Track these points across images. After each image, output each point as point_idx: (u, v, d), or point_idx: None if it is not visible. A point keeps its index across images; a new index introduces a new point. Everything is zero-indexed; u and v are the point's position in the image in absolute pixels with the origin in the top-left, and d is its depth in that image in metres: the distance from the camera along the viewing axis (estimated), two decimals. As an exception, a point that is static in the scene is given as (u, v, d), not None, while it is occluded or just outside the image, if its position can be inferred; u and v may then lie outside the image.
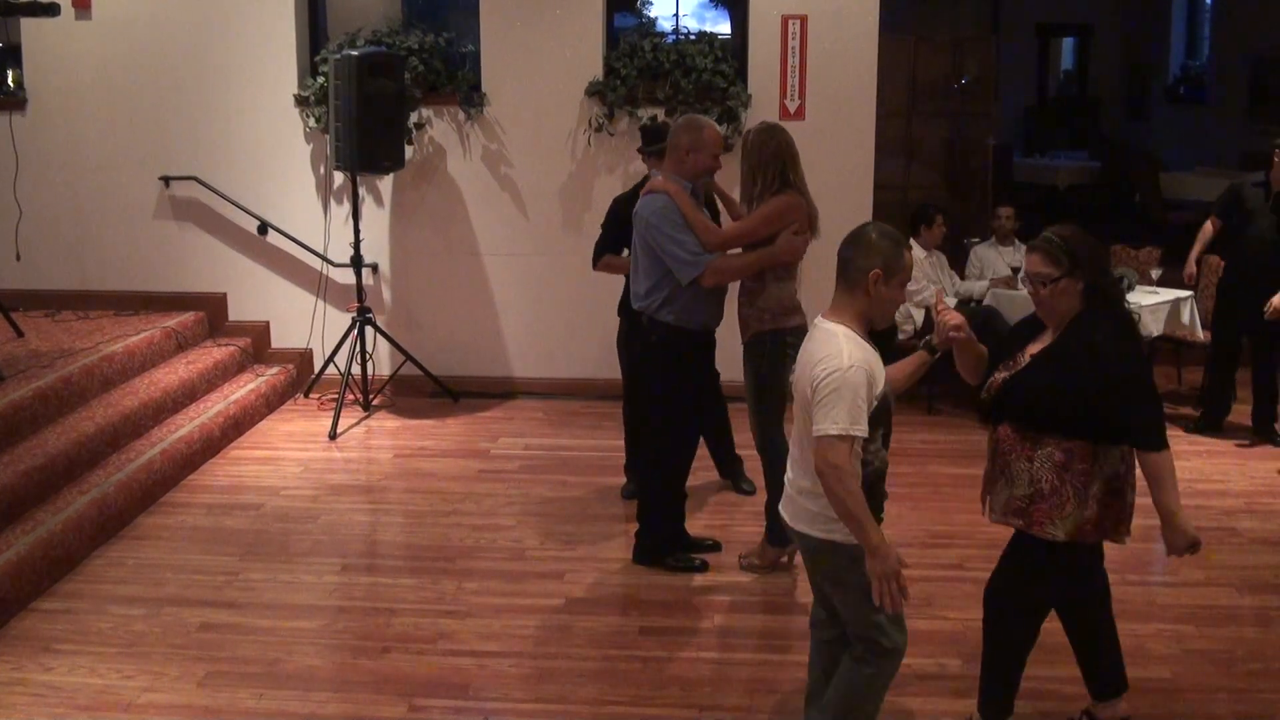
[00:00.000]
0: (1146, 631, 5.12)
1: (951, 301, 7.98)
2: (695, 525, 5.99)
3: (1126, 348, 3.73)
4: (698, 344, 5.53)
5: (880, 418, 3.64)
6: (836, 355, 3.55)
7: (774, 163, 5.36)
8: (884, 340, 8.01)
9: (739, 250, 5.41)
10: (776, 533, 5.63)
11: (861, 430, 3.51)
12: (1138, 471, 3.86)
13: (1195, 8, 16.00)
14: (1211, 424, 7.82)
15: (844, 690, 3.87)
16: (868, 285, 3.63)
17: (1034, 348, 3.91)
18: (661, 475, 5.69)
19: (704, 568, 5.69)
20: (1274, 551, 6.01)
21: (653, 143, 6.14)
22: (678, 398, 5.57)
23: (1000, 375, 3.94)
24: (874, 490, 3.69)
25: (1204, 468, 7.20)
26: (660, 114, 8.09)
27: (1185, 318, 8.11)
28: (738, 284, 5.52)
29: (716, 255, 5.29)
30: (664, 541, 5.73)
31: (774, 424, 5.55)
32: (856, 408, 3.49)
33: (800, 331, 5.42)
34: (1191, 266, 7.91)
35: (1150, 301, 7.81)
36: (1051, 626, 5.12)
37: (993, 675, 4.17)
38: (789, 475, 3.88)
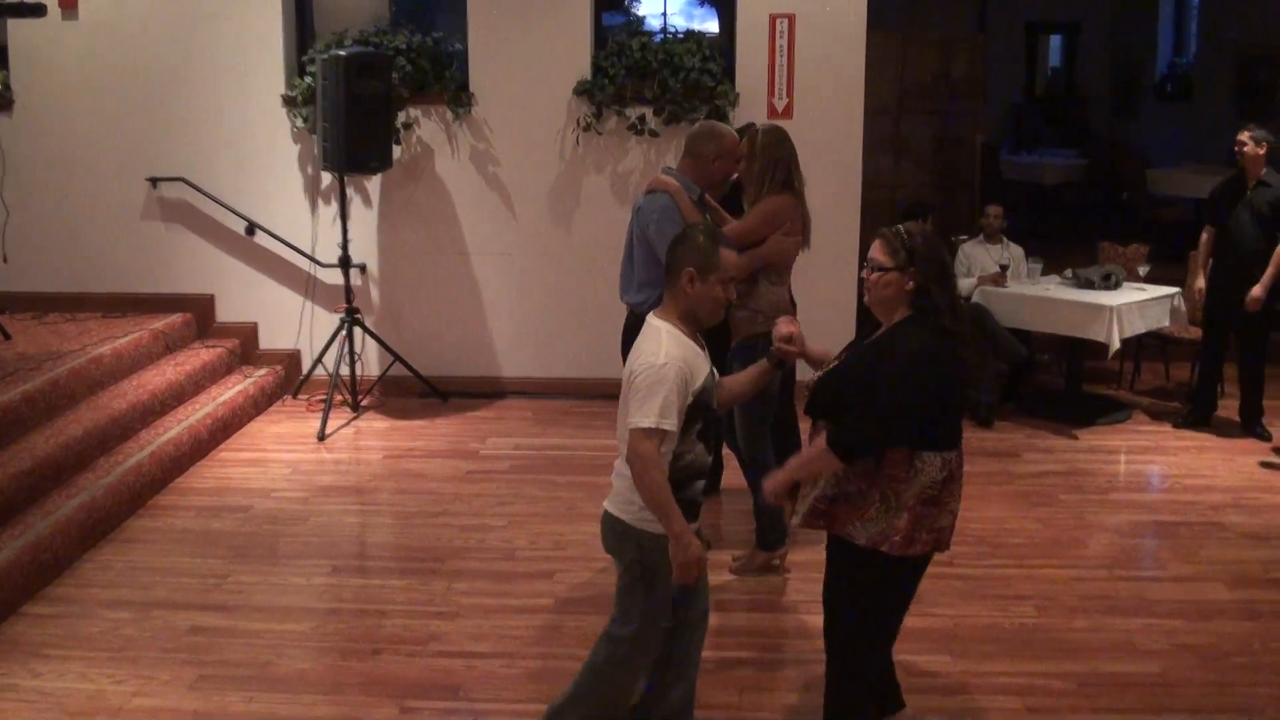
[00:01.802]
0: (1135, 626, 5.13)
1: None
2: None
3: (918, 357, 3.56)
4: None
5: (697, 414, 3.75)
6: (654, 352, 3.69)
7: (781, 167, 5.50)
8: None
9: None
10: (766, 537, 5.64)
11: (670, 425, 3.63)
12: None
13: (1182, 5, 16.02)
14: (1199, 419, 7.86)
15: (588, 663, 4.04)
16: (684, 284, 3.77)
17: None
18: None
19: (693, 567, 5.68)
20: (1262, 546, 6.02)
21: None
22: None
23: (818, 373, 3.90)
24: (690, 485, 3.81)
25: (1192, 463, 7.22)
26: (648, 113, 8.10)
27: (1176, 314, 8.13)
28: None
29: None
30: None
31: (761, 425, 5.57)
32: (668, 404, 3.62)
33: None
34: (1202, 280, 7.83)
35: (1138, 298, 7.83)
36: (1028, 623, 5.15)
37: (844, 686, 3.97)
38: (616, 461, 3.95)
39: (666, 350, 3.68)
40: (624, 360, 5.52)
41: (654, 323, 3.83)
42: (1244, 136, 7.48)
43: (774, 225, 5.45)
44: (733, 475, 6.23)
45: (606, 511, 3.93)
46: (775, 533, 5.65)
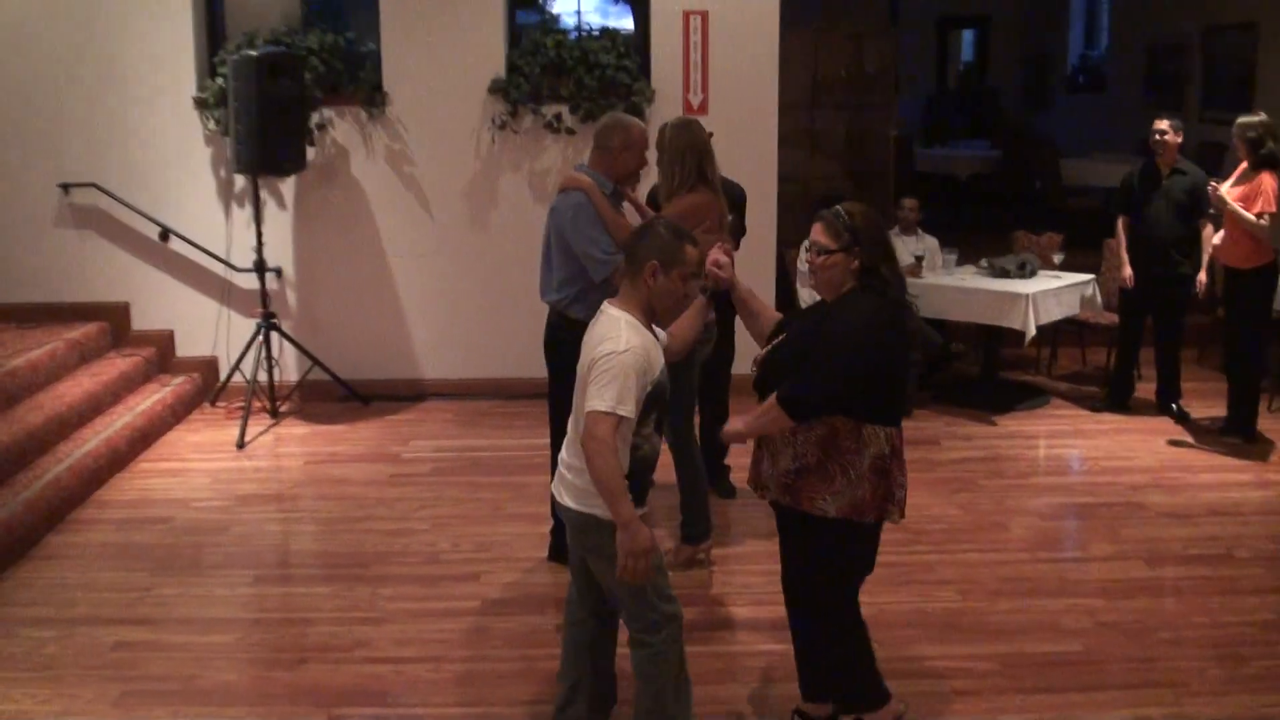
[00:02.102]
0: (1058, 607, 5.20)
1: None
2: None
3: (870, 321, 3.69)
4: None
5: (654, 404, 3.77)
6: (615, 339, 3.68)
7: (691, 157, 5.47)
8: None
9: None
10: (691, 531, 5.66)
11: (627, 411, 3.63)
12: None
13: (1093, -2, 16.32)
14: (1117, 403, 7.99)
15: (643, 682, 3.93)
16: (646, 276, 3.77)
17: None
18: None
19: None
20: (1181, 524, 6.14)
21: None
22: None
23: (760, 354, 3.97)
24: (641, 476, 3.83)
25: (1110, 445, 7.35)
26: (564, 111, 8.09)
27: (1090, 301, 8.25)
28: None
29: None
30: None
31: (686, 420, 5.57)
32: (627, 390, 3.62)
33: (713, 328, 5.46)
34: (1128, 269, 7.79)
35: (1053, 285, 7.95)
36: (952, 607, 5.20)
37: (847, 671, 4.09)
38: (562, 453, 3.96)
39: (627, 339, 3.67)
40: (546, 359, 5.54)
41: (612, 312, 3.80)
42: (1164, 125, 7.57)
43: (694, 222, 5.41)
44: (658, 470, 6.22)
45: (570, 509, 3.85)
46: (700, 527, 5.66)
